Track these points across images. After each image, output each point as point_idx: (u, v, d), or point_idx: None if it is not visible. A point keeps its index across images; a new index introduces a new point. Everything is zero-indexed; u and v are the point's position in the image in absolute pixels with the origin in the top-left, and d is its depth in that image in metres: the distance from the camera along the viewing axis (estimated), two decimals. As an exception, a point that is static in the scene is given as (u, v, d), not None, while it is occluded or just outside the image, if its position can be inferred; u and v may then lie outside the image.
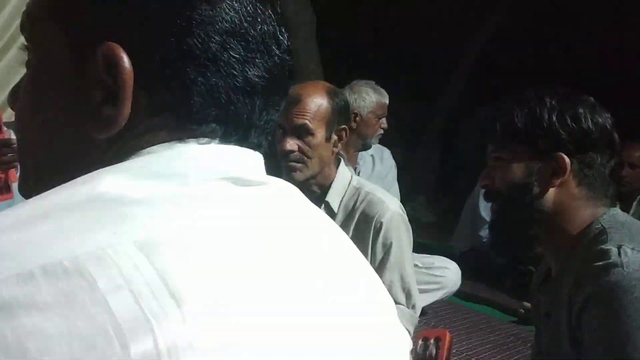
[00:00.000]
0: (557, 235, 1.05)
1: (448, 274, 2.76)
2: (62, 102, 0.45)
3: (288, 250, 0.46)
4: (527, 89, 1.08)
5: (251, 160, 0.48)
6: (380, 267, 1.63)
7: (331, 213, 1.65)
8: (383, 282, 1.65)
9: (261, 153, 0.51)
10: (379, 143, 2.99)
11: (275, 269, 0.43)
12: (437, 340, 1.40)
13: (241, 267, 0.40)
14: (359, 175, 2.80)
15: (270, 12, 0.49)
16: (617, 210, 1.05)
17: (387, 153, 3.02)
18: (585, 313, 0.93)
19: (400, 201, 3.06)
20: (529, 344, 2.11)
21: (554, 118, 1.01)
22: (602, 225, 1.00)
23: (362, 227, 1.64)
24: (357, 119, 2.67)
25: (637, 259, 0.90)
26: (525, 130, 1.03)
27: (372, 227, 1.62)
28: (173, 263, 0.36)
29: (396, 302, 1.66)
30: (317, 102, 1.57)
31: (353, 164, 2.79)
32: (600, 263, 0.92)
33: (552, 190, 1.04)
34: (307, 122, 1.55)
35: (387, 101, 2.76)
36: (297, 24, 5.15)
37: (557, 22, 6.07)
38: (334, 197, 1.65)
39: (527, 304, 2.59)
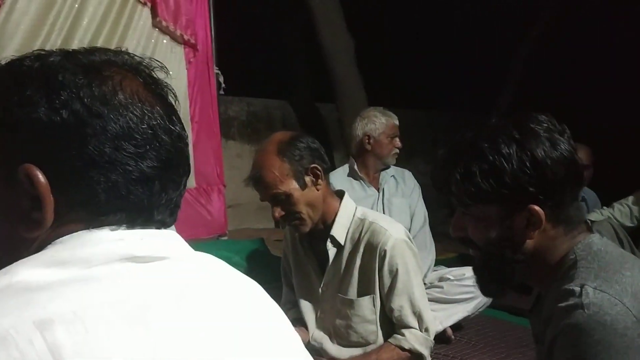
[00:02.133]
0: (540, 272, 1.04)
1: (482, 282, 2.73)
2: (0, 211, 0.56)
3: (179, 322, 0.53)
4: (476, 132, 1.03)
5: (153, 239, 0.57)
6: (389, 294, 1.69)
7: (338, 246, 1.73)
8: (393, 308, 1.71)
9: (165, 227, 0.60)
10: (400, 165, 3.09)
11: (161, 344, 0.50)
12: None
13: (124, 340, 0.49)
14: (383, 193, 2.91)
15: (158, 108, 0.58)
16: (593, 238, 1.02)
17: (407, 174, 3.09)
18: (553, 352, 0.93)
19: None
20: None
21: (517, 170, 0.96)
22: (575, 255, 0.98)
23: (367, 256, 1.70)
24: (371, 141, 2.85)
25: (598, 301, 0.88)
26: (489, 190, 0.98)
27: (377, 255, 1.68)
28: (62, 337, 0.46)
29: (408, 326, 1.71)
30: (273, 168, 1.64)
31: (375, 185, 2.92)
32: (564, 304, 0.91)
33: (531, 239, 1.01)
34: (275, 191, 1.64)
35: (396, 122, 2.91)
36: (334, 50, 5.28)
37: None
38: (339, 231, 1.72)
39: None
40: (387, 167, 2.96)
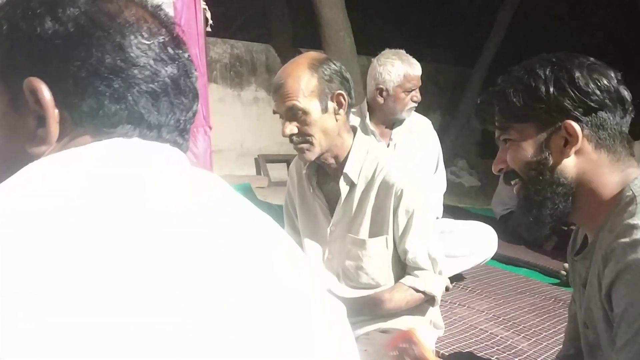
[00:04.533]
0: (588, 206, 1.00)
1: (483, 239, 2.69)
2: (4, 131, 0.56)
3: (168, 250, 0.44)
4: (514, 66, 1.03)
5: (161, 153, 0.55)
6: (403, 235, 1.62)
7: (351, 184, 1.64)
8: (407, 249, 1.61)
9: (179, 148, 0.58)
10: (420, 112, 2.78)
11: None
12: (409, 342, 1.25)
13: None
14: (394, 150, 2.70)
15: (165, 31, 0.58)
16: None
17: (427, 124, 2.76)
18: (613, 291, 0.89)
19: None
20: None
21: (552, 88, 0.96)
22: (632, 191, 0.94)
23: (382, 195, 1.61)
24: (384, 94, 2.53)
25: None
26: (524, 107, 0.99)
27: (393, 194, 1.59)
28: None
29: (422, 269, 1.64)
30: (300, 79, 1.52)
31: (386, 140, 2.65)
32: (628, 239, 0.86)
33: (570, 160, 0.98)
34: (295, 102, 1.51)
35: (417, 72, 2.53)
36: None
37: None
38: (352, 168, 1.63)
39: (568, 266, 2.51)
40: (399, 124, 2.64)
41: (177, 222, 0.47)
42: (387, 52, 2.60)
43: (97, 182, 0.46)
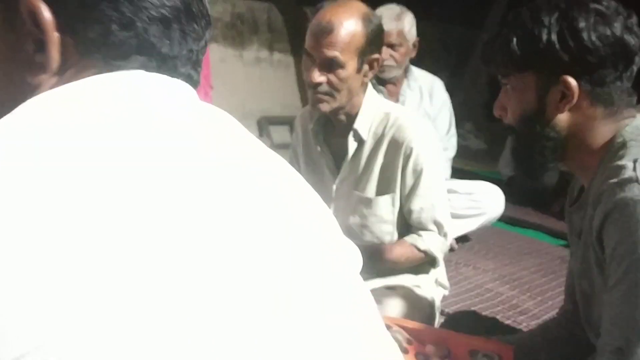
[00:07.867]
0: (580, 156, 1.00)
1: (490, 199, 2.66)
2: (5, 55, 0.50)
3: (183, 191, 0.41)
4: (523, 6, 1.00)
5: (169, 90, 0.49)
6: (410, 194, 1.58)
7: (360, 140, 1.60)
8: (412, 209, 1.56)
9: (193, 85, 0.53)
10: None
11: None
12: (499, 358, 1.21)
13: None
14: None
15: None
16: None
17: (438, 85, 2.68)
18: (604, 232, 0.89)
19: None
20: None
21: (553, 38, 0.93)
22: (623, 137, 0.94)
23: (391, 152, 1.57)
24: None
25: None
26: (524, 56, 0.96)
27: (402, 152, 1.55)
28: None
29: (426, 229, 1.61)
30: (350, 31, 1.44)
31: (394, 98, 2.56)
32: (616, 179, 0.87)
33: (564, 115, 0.97)
34: (337, 54, 1.44)
35: (387, 27, 2.26)
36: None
37: None
38: (362, 124, 1.58)
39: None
40: (400, 80, 2.54)
41: (192, 174, 0.42)
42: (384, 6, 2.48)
43: (104, 127, 0.41)
